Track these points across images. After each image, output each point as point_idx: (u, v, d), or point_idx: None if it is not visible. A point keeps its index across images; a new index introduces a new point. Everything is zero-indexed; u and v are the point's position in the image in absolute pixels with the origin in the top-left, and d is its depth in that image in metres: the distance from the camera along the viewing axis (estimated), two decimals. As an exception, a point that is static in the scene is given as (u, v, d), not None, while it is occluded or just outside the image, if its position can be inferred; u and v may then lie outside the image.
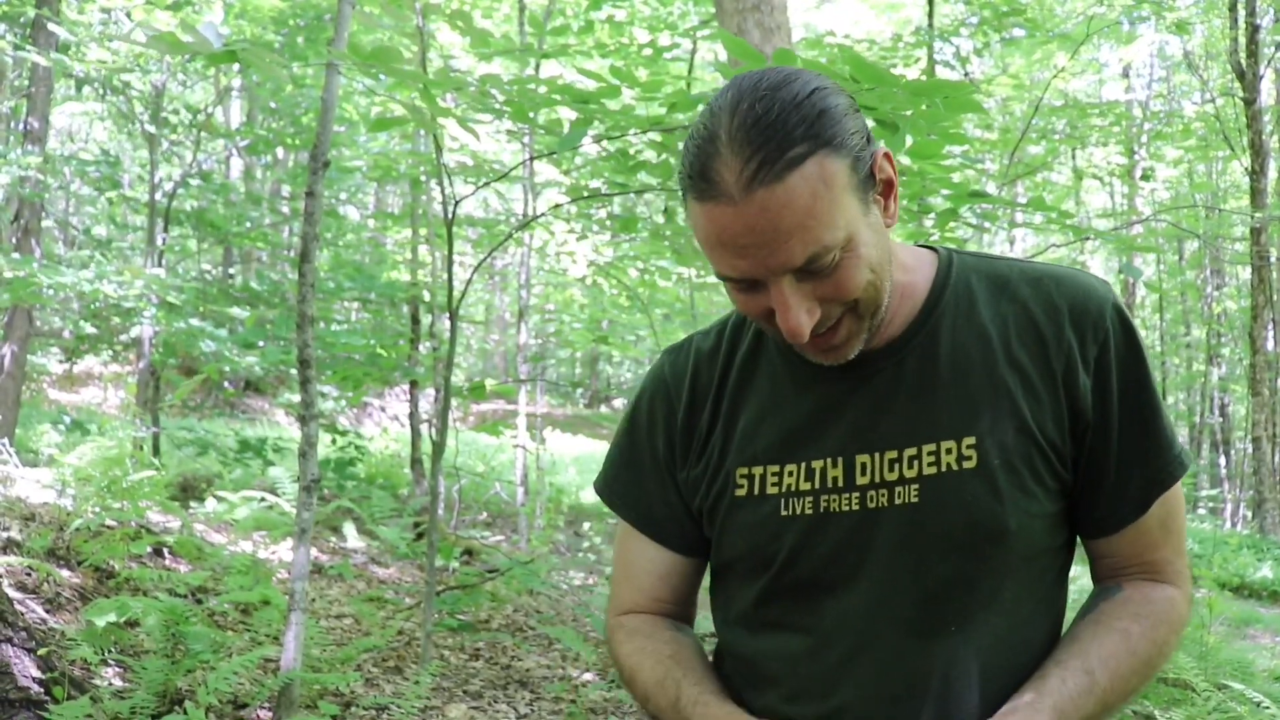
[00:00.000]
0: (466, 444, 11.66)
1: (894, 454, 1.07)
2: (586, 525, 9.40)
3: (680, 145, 4.13)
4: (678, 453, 1.20)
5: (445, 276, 4.30)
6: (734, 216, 0.94)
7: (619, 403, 26.74)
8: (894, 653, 1.06)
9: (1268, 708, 3.54)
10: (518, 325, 9.24)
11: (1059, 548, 1.12)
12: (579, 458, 14.86)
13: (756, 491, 1.13)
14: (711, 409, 1.19)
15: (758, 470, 1.13)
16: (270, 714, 3.54)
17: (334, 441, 8.57)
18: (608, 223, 6.32)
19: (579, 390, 27.60)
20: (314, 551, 6.17)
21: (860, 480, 1.08)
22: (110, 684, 3.33)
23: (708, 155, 0.95)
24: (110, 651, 3.52)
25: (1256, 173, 13.28)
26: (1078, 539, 1.16)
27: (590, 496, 11.44)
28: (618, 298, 10.37)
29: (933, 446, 1.06)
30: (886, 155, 1.02)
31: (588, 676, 4.65)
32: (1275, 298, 15.34)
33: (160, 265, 8.79)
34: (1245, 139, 13.71)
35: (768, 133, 0.93)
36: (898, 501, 1.06)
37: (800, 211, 0.93)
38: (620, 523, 1.27)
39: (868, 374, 1.10)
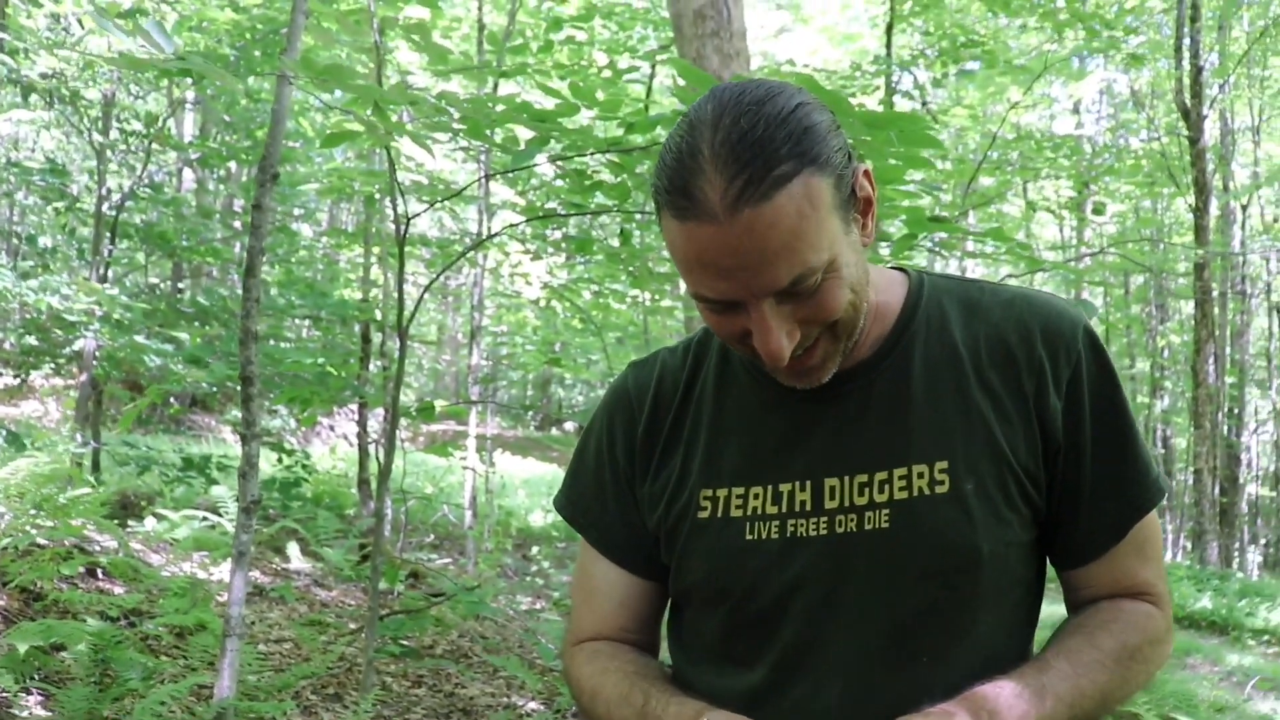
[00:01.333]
0: (415, 465, 11.51)
1: (864, 477, 1.04)
2: (535, 549, 9.31)
3: (638, 168, 4.12)
4: (638, 467, 1.16)
5: (397, 295, 4.23)
6: (717, 236, 0.90)
7: (570, 426, 26.63)
8: (864, 685, 1.02)
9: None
10: (470, 346, 9.16)
11: (1031, 580, 1.09)
12: (529, 480, 14.76)
13: (720, 514, 1.08)
14: (673, 423, 1.15)
15: (722, 492, 1.09)
16: (202, 743, 3.42)
17: (280, 460, 8.41)
18: (563, 244, 6.29)
19: (530, 412, 27.47)
20: (256, 573, 6.02)
21: (829, 504, 1.04)
22: (31, 713, 3.20)
23: (689, 171, 0.90)
24: (33, 678, 3.38)
25: (1200, 210, 13.57)
26: (1045, 579, 1.12)
27: (539, 520, 11.34)
28: (570, 320, 10.33)
29: (904, 470, 1.03)
30: (866, 173, 0.99)
31: (533, 706, 4.56)
32: (1217, 332, 15.66)
33: (107, 279, 8.60)
34: (1189, 177, 14.02)
35: (754, 149, 0.89)
36: (868, 526, 1.02)
37: (787, 232, 0.90)
38: (581, 542, 1.22)
39: (837, 395, 1.07)
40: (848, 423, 1.06)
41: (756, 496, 1.07)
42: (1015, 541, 1.03)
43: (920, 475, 1.02)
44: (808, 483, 1.05)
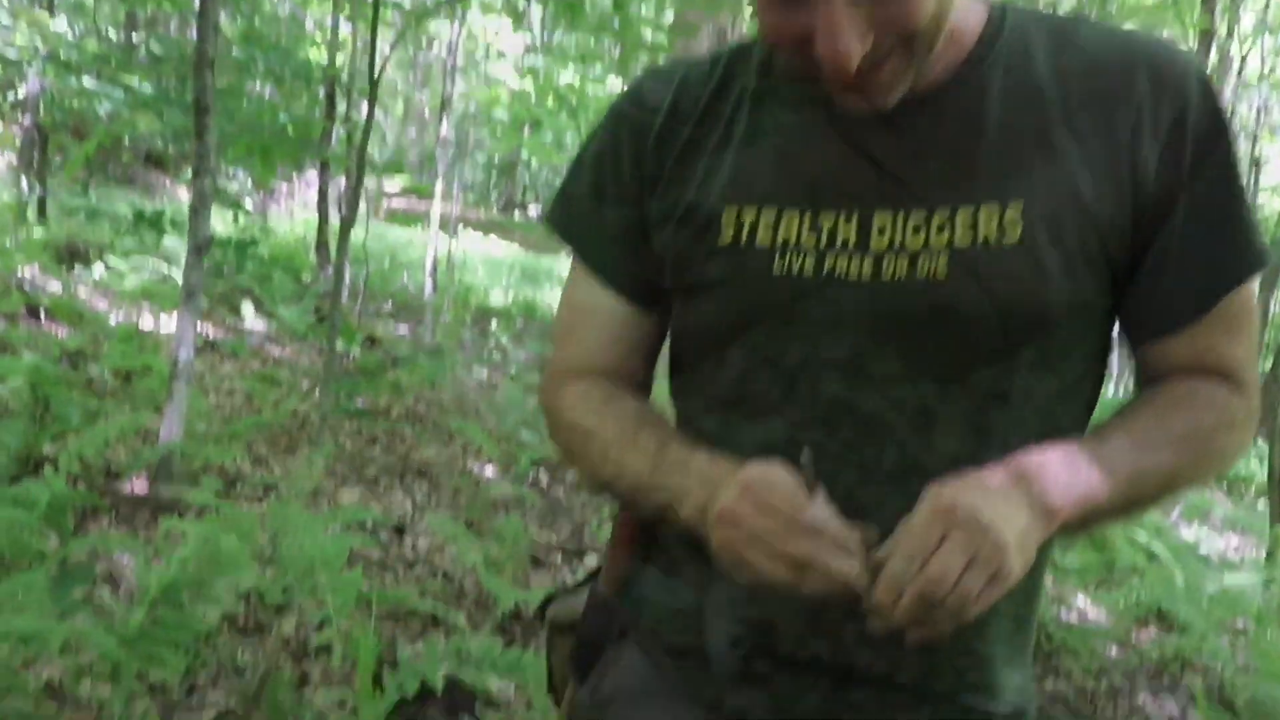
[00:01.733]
0: (376, 237, 11.28)
1: (921, 215, 0.87)
2: (493, 324, 9.23)
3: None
4: (645, 177, 0.98)
5: (365, 61, 3.92)
6: None
7: (534, 210, 26.25)
8: (906, 446, 0.88)
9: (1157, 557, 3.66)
10: (439, 116, 8.79)
11: (1098, 353, 0.94)
12: (488, 259, 14.60)
13: (745, 239, 0.91)
14: (694, 131, 0.96)
15: (749, 214, 0.91)
16: (147, 485, 3.34)
17: (236, 220, 8.14)
18: (549, 4, 5.87)
19: (495, 193, 27.06)
20: (208, 327, 5.87)
21: (876, 243, 0.87)
22: (-34, 441, 3.08)
23: None
24: (-32, 408, 3.26)
25: (1204, 53, 13.16)
26: (1110, 357, 0.97)
27: (499, 299, 11.25)
28: (544, 102, 9.88)
29: (970, 210, 0.86)
30: None
31: (489, 471, 4.55)
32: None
33: (52, 12, 8.04)
34: (1195, 15, 13.50)
35: None
36: (920, 275, 0.86)
37: None
38: (571, 265, 1.05)
39: (898, 122, 0.89)
40: (908, 154, 0.89)
41: (790, 222, 0.90)
42: (1090, 305, 0.89)
43: (990, 218, 0.86)
44: (854, 214, 0.88)
